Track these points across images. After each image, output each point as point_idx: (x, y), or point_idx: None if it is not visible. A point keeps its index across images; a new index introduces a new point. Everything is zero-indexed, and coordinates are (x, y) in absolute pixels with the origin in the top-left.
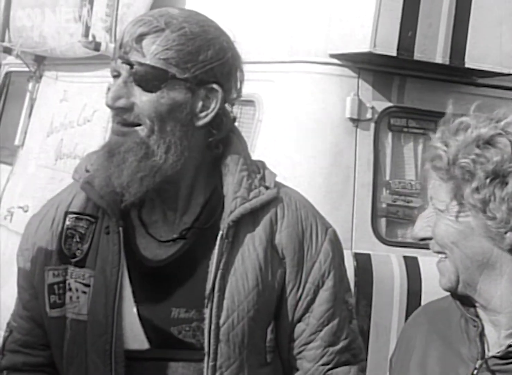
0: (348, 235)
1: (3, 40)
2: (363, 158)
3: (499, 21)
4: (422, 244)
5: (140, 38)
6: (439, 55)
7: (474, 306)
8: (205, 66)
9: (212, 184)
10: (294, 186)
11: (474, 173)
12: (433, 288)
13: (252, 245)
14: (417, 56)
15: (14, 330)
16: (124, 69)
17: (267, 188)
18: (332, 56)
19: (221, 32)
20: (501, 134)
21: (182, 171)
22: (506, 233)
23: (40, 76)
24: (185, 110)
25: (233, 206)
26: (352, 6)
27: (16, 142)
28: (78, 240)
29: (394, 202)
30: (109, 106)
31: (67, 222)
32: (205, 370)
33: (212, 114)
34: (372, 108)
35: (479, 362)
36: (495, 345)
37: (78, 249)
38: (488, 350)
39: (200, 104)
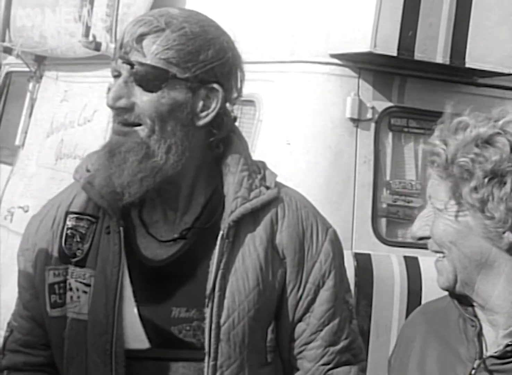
0: (349, 235)
1: (3, 40)
2: (363, 158)
3: (500, 21)
4: (422, 244)
5: (140, 38)
6: (440, 55)
7: (472, 306)
8: (206, 66)
9: (212, 184)
10: (294, 187)
11: (473, 173)
12: (433, 288)
13: (253, 244)
14: (418, 56)
15: (15, 330)
16: (125, 69)
17: (267, 188)
18: (333, 56)
19: (221, 32)
20: (500, 134)
21: (183, 171)
22: (504, 232)
23: (41, 76)
24: (186, 110)
25: (234, 206)
26: (352, 6)
27: (17, 142)
28: (78, 239)
29: (395, 202)
30: (109, 106)
31: (68, 222)
32: (205, 369)
33: (213, 114)
34: (373, 108)
35: (477, 362)
36: (493, 344)
37: (78, 248)
38: (486, 350)
39: (200, 104)
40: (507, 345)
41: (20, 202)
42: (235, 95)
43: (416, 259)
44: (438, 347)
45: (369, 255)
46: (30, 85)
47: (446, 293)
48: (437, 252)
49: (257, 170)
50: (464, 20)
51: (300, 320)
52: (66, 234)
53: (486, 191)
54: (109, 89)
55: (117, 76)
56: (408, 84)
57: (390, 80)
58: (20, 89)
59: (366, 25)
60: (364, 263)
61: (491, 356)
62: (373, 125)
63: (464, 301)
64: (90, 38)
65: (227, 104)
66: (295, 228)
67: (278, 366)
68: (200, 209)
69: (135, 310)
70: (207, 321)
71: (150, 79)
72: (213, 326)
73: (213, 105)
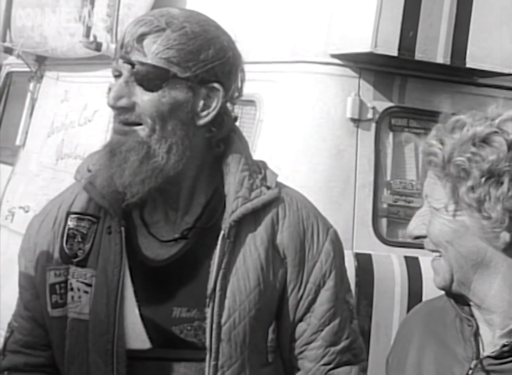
0: (349, 235)
1: (4, 41)
2: (364, 159)
3: (500, 21)
4: (423, 244)
5: (141, 38)
6: (440, 55)
7: (469, 305)
8: (206, 65)
9: (213, 184)
10: (295, 187)
11: (470, 172)
12: (434, 288)
13: (254, 244)
14: (418, 56)
15: (15, 331)
16: (126, 69)
17: (268, 187)
18: (333, 56)
19: (221, 31)
20: (497, 133)
21: (184, 171)
22: (500, 232)
23: (41, 77)
24: (186, 109)
25: (235, 206)
26: (353, 6)
27: (17, 143)
28: (80, 239)
29: (395, 202)
30: (110, 106)
31: (69, 222)
32: (206, 369)
33: (213, 113)
34: (373, 108)
35: (474, 362)
36: (489, 344)
37: (80, 248)
38: (483, 350)
39: (201, 103)
40: (504, 345)
41: (20, 202)
42: (235, 94)
43: (416, 259)
44: (435, 347)
45: (369, 255)
46: (31, 85)
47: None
48: (433, 251)
49: (257, 170)
50: (464, 20)
51: (300, 320)
52: (67, 234)
53: (483, 191)
54: (109, 89)
55: (118, 76)
56: (408, 84)
57: (390, 80)
58: (20, 89)
59: (367, 25)
60: (364, 263)
61: (488, 356)
62: (373, 125)
63: (461, 300)
64: (91, 38)
65: (228, 104)
66: (296, 228)
67: (279, 366)
68: (201, 209)
69: (136, 310)
70: (208, 321)
71: (151, 78)
72: (214, 326)
73: (213, 105)
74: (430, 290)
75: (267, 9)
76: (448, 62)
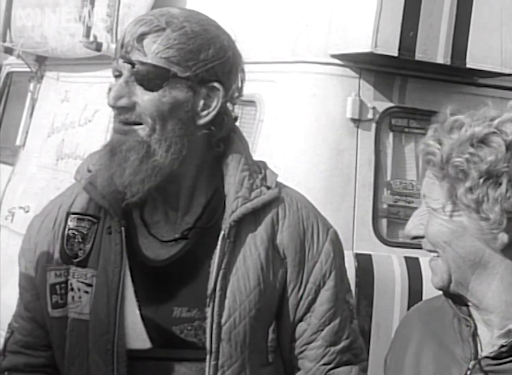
0: (349, 235)
1: (4, 41)
2: (364, 159)
3: (501, 21)
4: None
5: (141, 37)
6: (440, 55)
7: (467, 305)
8: (206, 64)
9: (213, 184)
10: (295, 187)
11: (468, 173)
12: (434, 289)
13: (254, 244)
14: (418, 56)
15: (16, 331)
16: (126, 69)
17: (268, 188)
18: (333, 56)
19: (221, 31)
20: (495, 133)
21: (184, 171)
22: (498, 233)
23: (41, 77)
24: (187, 109)
25: (235, 206)
26: (353, 6)
27: (17, 143)
28: (80, 240)
29: (395, 202)
30: (110, 105)
31: (69, 222)
32: (207, 369)
33: (214, 112)
34: (373, 108)
35: (472, 362)
36: (488, 345)
37: (80, 249)
38: (481, 350)
39: (201, 103)
40: (502, 346)
41: (20, 202)
42: (235, 94)
43: (417, 259)
44: (433, 347)
45: (370, 255)
46: (31, 85)
47: None
48: (431, 251)
49: (258, 170)
50: (465, 20)
51: (301, 320)
52: (68, 234)
53: (481, 192)
54: (110, 89)
55: (118, 76)
56: (409, 84)
57: (391, 81)
58: (21, 90)
59: (367, 25)
60: (365, 263)
61: (486, 357)
62: (374, 125)
63: (459, 300)
64: (91, 38)
65: (228, 104)
66: (296, 228)
67: (279, 366)
68: (201, 209)
69: (137, 310)
70: (208, 320)
71: (151, 78)
72: (214, 325)
73: (213, 104)
74: (430, 290)
75: (267, 9)
76: (448, 63)
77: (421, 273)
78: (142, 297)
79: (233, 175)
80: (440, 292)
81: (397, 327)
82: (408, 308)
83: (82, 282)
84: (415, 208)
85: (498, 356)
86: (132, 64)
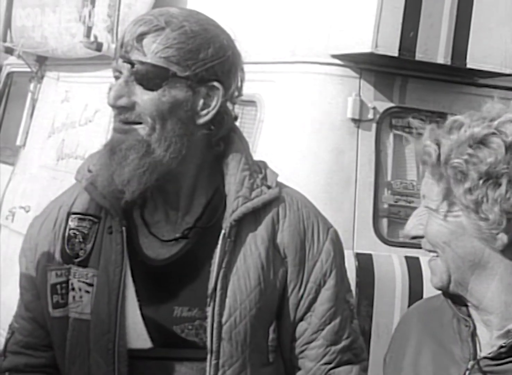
0: (350, 235)
1: (5, 41)
2: (364, 159)
3: (501, 21)
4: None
5: (140, 37)
6: (441, 55)
7: (466, 305)
8: (206, 64)
9: (214, 183)
10: (295, 187)
11: (467, 174)
12: (434, 289)
13: (254, 244)
14: (419, 56)
15: (16, 331)
16: (125, 68)
17: (269, 187)
18: (334, 56)
19: (221, 30)
20: (495, 134)
21: (184, 170)
22: (498, 234)
23: (42, 77)
24: (186, 108)
25: (235, 205)
26: (353, 6)
27: (18, 143)
28: (81, 240)
29: (396, 202)
30: (110, 105)
31: (70, 223)
32: (207, 368)
33: (213, 112)
34: (374, 108)
35: (471, 363)
36: (487, 345)
37: (81, 249)
38: (480, 351)
39: (201, 102)
40: (501, 347)
41: (21, 202)
42: (235, 94)
43: (417, 259)
44: (432, 347)
45: (370, 255)
46: (32, 85)
47: None
48: (430, 251)
49: (258, 170)
50: (465, 20)
51: (301, 319)
52: (69, 234)
53: (480, 192)
54: (110, 89)
55: (118, 76)
56: (409, 84)
57: (391, 81)
58: (21, 90)
59: (368, 25)
60: (365, 263)
61: (485, 357)
62: (374, 125)
63: (458, 300)
64: (92, 38)
65: (228, 103)
66: (296, 227)
67: (279, 366)
68: (201, 209)
69: (138, 310)
70: (209, 320)
71: (151, 78)
72: (215, 325)
73: (213, 104)
74: (431, 290)
75: (267, 9)
76: (449, 63)
77: (422, 272)
78: (143, 297)
79: (234, 175)
80: (440, 292)
81: (396, 326)
82: (409, 308)
83: (83, 282)
84: (415, 208)
85: (497, 357)
86: (132, 64)
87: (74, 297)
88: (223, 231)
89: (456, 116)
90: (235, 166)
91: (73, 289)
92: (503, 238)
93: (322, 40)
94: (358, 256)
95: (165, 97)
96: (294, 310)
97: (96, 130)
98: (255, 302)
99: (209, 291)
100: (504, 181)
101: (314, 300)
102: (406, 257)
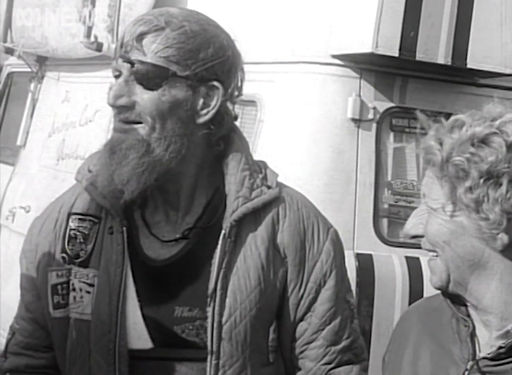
0: (350, 235)
1: (5, 41)
2: (365, 159)
3: (501, 21)
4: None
5: (140, 37)
6: (441, 55)
7: (465, 305)
8: (206, 63)
9: (214, 183)
10: (295, 187)
11: (468, 172)
12: (434, 289)
13: (254, 244)
14: (419, 56)
15: (17, 332)
16: (125, 68)
17: (269, 187)
18: (334, 56)
19: (221, 30)
20: (496, 134)
21: (184, 170)
22: (498, 234)
23: (42, 77)
24: (186, 108)
25: (235, 205)
26: (354, 6)
27: (18, 143)
28: (81, 240)
29: (396, 202)
30: (110, 104)
31: (71, 223)
32: (208, 368)
33: (213, 111)
34: (374, 108)
35: (470, 363)
36: (486, 345)
37: (82, 249)
38: (479, 351)
39: (201, 101)
40: (500, 347)
41: (21, 202)
42: (235, 93)
43: (417, 259)
44: (431, 347)
45: (370, 255)
46: (32, 85)
47: None
48: (430, 250)
49: (258, 170)
50: (465, 20)
51: (301, 320)
52: (69, 235)
53: (481, 192)
54: (110, 88)
55: (118, 76)
56: (409, 84)
57: (391, 81)
58: (21, 90)
59: (368, 25)
60: (365, 263)
61: (484, 358)
62: (374, 125)
63: (457, 300)
64: (92, 38)
65: (228, 103)
66: (296, 227)
67: (280, 366)
68: (201, 209)
69: (138, 310)
70: (209, 320)
71: (151, 77)
72: (215, 325)
73: (213, 103)
74: (431, 290)
75: (267, 9)
76: (449, 63)
77: (422, 272)
78: (144, 297)
79: (234, 175)
80: (440, 291)
81: (395, 325)
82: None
83: (84, 282)
84: (415, 208)
85: (496, 357)
86: (132, 64)
87: (74, 298)
88: (223, 231)
89: (457, 116)
90: (235, 166)
91: (73, 289)
92: (503, 238)
93: (322, 40)
94: (358, 256)
95: (165, 96)
96: (294, 310)
97: (96, 130)
98: (255, 302)
99: (209, 291)
100: (505, 181)
101: (314, 300)
102: (406, 257)
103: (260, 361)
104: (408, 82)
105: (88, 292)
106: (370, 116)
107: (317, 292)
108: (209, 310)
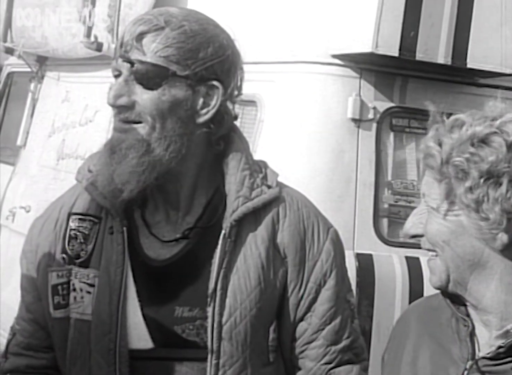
0: (350, 235)
1: (5, 41)
2: (365, 159)
3: (501, 21)
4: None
5: (140, 36)
6: (441, 55)
7: (465, 305)
8: (205, 63)
9: (214, 183)
10: (295, 187)
11: (468, 173)
12: (434, 288)
13: (254, 244)
14: (419, 56)
15: (17, 333)
16: (125, 68)
17: (269, 187)
18: (334, 56)
19: (220, 30)
20: (497, 133)
21: (184, 170)
22: (498, 233)
23: (42, 77)
24: (186, 107)
25: (236, 205)
26: (354, 6)
27: (18, 143)
28: (82, 240)
29: (396, 202)
30: (110, 104)
31: (71, 223)
32: (208, 368)
33: (213, 111)
34: (374, 108)
35: (470, 363)
36: (485, 345)
37: (82, 249)
38: (479, 350)
39: (200, 101)
40: (500, 347)
41: (21, 202)
42: (235, 93)
43: (417, 259)
44: (430, 346)
45: (370, 255)
46: (32, 85)
47: None
48: (429, 250)
49: (258, 169)
50: (465, 20)
51: (301, 319)
52: (69, 235)
53: (481, 191)
54: (110, 88)
55: (117, 75)
56: (409, 84)
57: (391, 81)
58: (21, 90)
59: (368, 25)
60: (365, 263)
61: (484, 357)
62: (374, 125)
63: (457, 300)
64: (92, 38)
65: (228, 102)
66: (296, 227)
67: (280, 366)
68: (202, 209)
69: (139, 310)
70: (209, 319)
71: (150, 77)
72: (215, 324)
73: (213, 103)
74: (431, 290)
75: (268, 9)
76: (449, 63)
77: (422, 272)
78: (144, 297)
79: (234, 175)
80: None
81: (394, 325)
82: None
83: (84, 282)
84: (415, 208)
85: (495, 357)
86: (131, 63)
87: (75, 298)
88: (223, 231)
89: (457, 115)
90: (235, 166)
91: (74, 289)
92: (503, 237)
93: (322, 40)
94: (358, 256)
95: (165, 96)
96: (294, 310)
97: (96, 130)
98: (255, 302)
99: (209, 291)
100: (505, 180)
101: (314, 300)
102: (407, 257)
103: (260, 361)
104: (408, 82)
105: (89, 292)
106: (370, 116)
107: (317, 292)
108: (209, 310)
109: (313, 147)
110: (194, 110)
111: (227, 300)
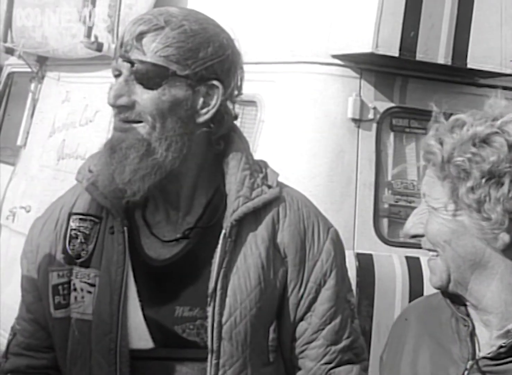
0: (350, 235)
1: (5, 41)
2: (365, 159)
3: (501, 21)
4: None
5: (140, 36)
6: (441, 55)
7: (465, 305)
8: (205, 63)
9: (214, 183)
10: (296, 186)
11: (470, 173)
12: (434, 288)
13: (255, 243)
14: (419, 56)
15: (18, 333)
16: (125, 68)
17: (269, 187)
18: (334, 56)
19: (220, 29)
20: (498, 133)
21: (184, 170)
22: (500, 233)
23: (42, 77)
24: (186, 107)
25: (236, 205)
26: (354, 6)
27: (18, 143)
28: (82, 240)
29: (396, 202)
30: (110, 104)
31: (71, 223)
32: (208, 368)
33: (213, 110)
34: (374, 108)
35: (470, 362)
36: (486, 345)
37: (83, 249)
38: (479, 350)
39: (201, 101)
40: (501, 346)
41: (22, 202)
42: (235, 92)
43: (417, 259)
44: (430, 346)
45: (371, 255)
46: (32, 85)
47: None
48: (430, 250)
49: (258, 169)
50: (465, 21)
51: (301, 319)
52: (70, 235)
53: (483, 192)
54: (110, 88)
55: (118, 75)
56: (409, 84)
57: (391, 81)
58: (22, 90)
59: (368, 25)
60: (366, 263)
61: (484, 357)
62: (374, 125)
63: (457, 300)
64: (92, 39)
65: (228, 102)
66: (296, 227)
67: (280, 366)
68: (202, 209)
69: (139, 310)
70: (209, 319)
71: (151, 76)
72: (215, 324)
73: (213, 102)
74: (431, 290)
75: (268, 9)
76: (449, 63)
77: (422, 272)
78: (145, 297)
79: (234, 174)
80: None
81: (393, 324)
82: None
83: (85, 282)
84: (416, 208)
85: (496, 357)
86: (132, 63)
87: (76, 298)
88: (223, 231)
89: (457, 115)
90: (235, 166)
91: (75, 289)
92: (504, 237)
93: (322, 40)
94: (358, 256)
95: (165, 96)
96: (294, 309)
97: (96, 130)
98: (255, 302)
99: (210, 290)
100: (506, 180)
101: (314, 300)
102: (407, 257)
103: (260, 360)
104: (408, 82)
105: (89, 292)
106: (370, 116)
107: (317, 292)
108: (209, 309)
109: (313, 147)
110: (194, 110)
111: (227, 300)
